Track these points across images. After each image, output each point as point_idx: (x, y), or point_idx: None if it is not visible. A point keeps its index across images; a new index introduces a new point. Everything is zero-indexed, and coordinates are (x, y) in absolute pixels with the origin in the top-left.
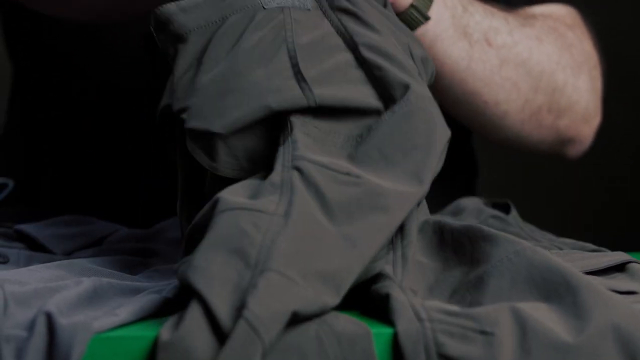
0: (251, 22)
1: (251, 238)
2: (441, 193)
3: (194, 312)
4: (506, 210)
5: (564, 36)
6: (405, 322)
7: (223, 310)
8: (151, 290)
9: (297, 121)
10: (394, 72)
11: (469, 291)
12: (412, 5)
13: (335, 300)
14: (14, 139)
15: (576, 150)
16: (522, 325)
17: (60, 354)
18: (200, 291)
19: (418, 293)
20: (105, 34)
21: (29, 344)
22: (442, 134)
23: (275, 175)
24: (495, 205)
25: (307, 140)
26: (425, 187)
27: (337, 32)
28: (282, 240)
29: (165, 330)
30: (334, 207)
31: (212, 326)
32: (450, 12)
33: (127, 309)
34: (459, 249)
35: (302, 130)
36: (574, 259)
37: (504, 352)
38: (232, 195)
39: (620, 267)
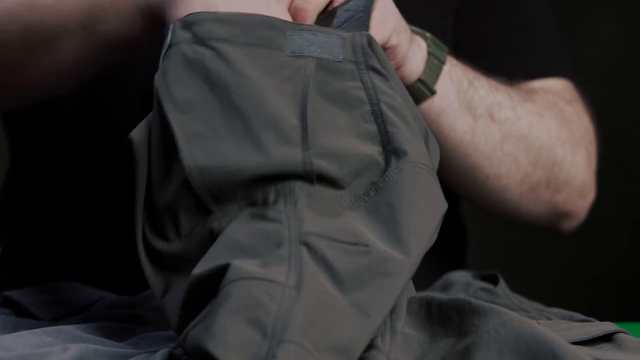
0: (272, 63)
1: (267, 308)
2: (430, 265)
3: None
4: (495, 281)
5: (563, 111)
6: None
7: None
8: (138, 357)
9: (301, 193)
10: (405, 132)
11: None
12: (419, 80)
13: None
14: (6, 206)
15: (571, 225)
16: None
17: None
18: (217, 356)
19: None
20: (102, 104)
21: None
22: (440, 206)
23: (283, 250)
24: (483, 277)
25: (313, 214)
26: (418, 259)
27: (364, 87)
28: (297, 310)
29: None
30: (344, 278)
31: None
32: (456, 87)
33: None
34: (447, 322)
35: (308, 203)
36: (561, 329)
37: None
38: (243, 262)
39: (607, 337)
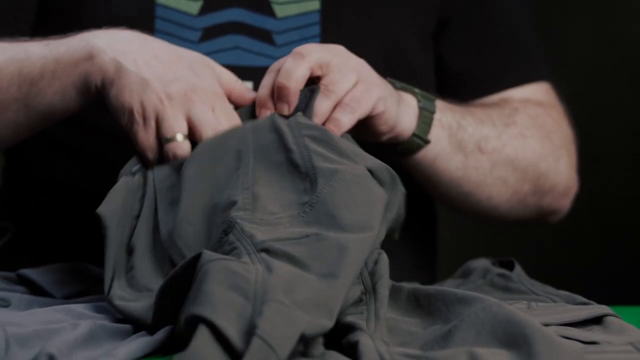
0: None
1: (245, 277)
2: (402, 247)
3: (203, 334)
4: (511, 267)
5: (543, 124)
6: None
7: (232, 331)
8: (141, 333)
9: (242, 221)
10: (330, 157)
11: (438, 343)
12: (414, 134)
13: (331, 323)
14: (13, 190)
15: (557, 218)
16: None
17: None
18: (206, 316)
19: (390, 345)
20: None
21: None
22: (380, 196)
23: (245, 259)
24: (502, 263)
25: (259, 230)
26: (376, 231)
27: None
28: (273, 279)
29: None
30: (306, 261)
31: (221, 344)
32: (447, 131)
33: (122, 351)
34: (435, 312)
35: (251, 224)
36: (556, 312)
37: None
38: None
39: (599, 320)
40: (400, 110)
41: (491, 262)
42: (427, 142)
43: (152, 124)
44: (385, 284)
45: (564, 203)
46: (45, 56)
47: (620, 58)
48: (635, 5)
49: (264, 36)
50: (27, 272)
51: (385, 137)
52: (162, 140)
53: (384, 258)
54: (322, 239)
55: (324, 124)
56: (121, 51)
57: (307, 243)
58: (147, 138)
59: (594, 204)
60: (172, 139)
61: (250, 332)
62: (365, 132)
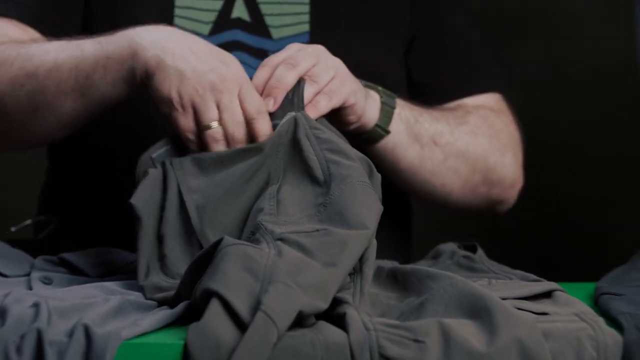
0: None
1: (257, 260)
2: (382, 231)
3: (215, 307)
4: (474, 250)
5: (493, 125)
6: (355, 332)
7: (241, 306)
8: (163, 307)
9: (267, 223)
10: (343, 162)
11: (413, 314)
12: (376, 125)
13: (326, 305)
14: (55, 186)
15: (505, 208)
16: (447, 337)
17: (95, 356)
18: (220, 292)
19: (372, 316)
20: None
21: (69, 348)
22: (377, 204)
23: (262, 245)
24: (466, 247)
25: (280, 227)
26: (372, 230)
27: (311, 144)
28: (281, 264)
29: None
30: (313, 250)
31: (230, 316)
32: (405, 124)
33: (147, 321)
34: (409, 286)
35: (274, 225)
36: (513, 287)
37: (431, 357)
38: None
39: (549, 294)
40: (366, 104)
41: (457, 245)
42: (387, 132)
43: (190, 110)
44: (370, 265)
45: (511, 194)
46: (97, 54)
47: (560, 75)
48: (580, 33)
49: (262, 54)
50: (67, 255)
51: (352, 127)
52: (201, 127)
53: (373, 243)
54: (329, 233)
55: (305, 106)
56: (161, 47)
57: (316, 236)
58: (187, 122)
59: (541, 197)
60: (209, 127)
61: (256, 307)
62: (337, 121)
